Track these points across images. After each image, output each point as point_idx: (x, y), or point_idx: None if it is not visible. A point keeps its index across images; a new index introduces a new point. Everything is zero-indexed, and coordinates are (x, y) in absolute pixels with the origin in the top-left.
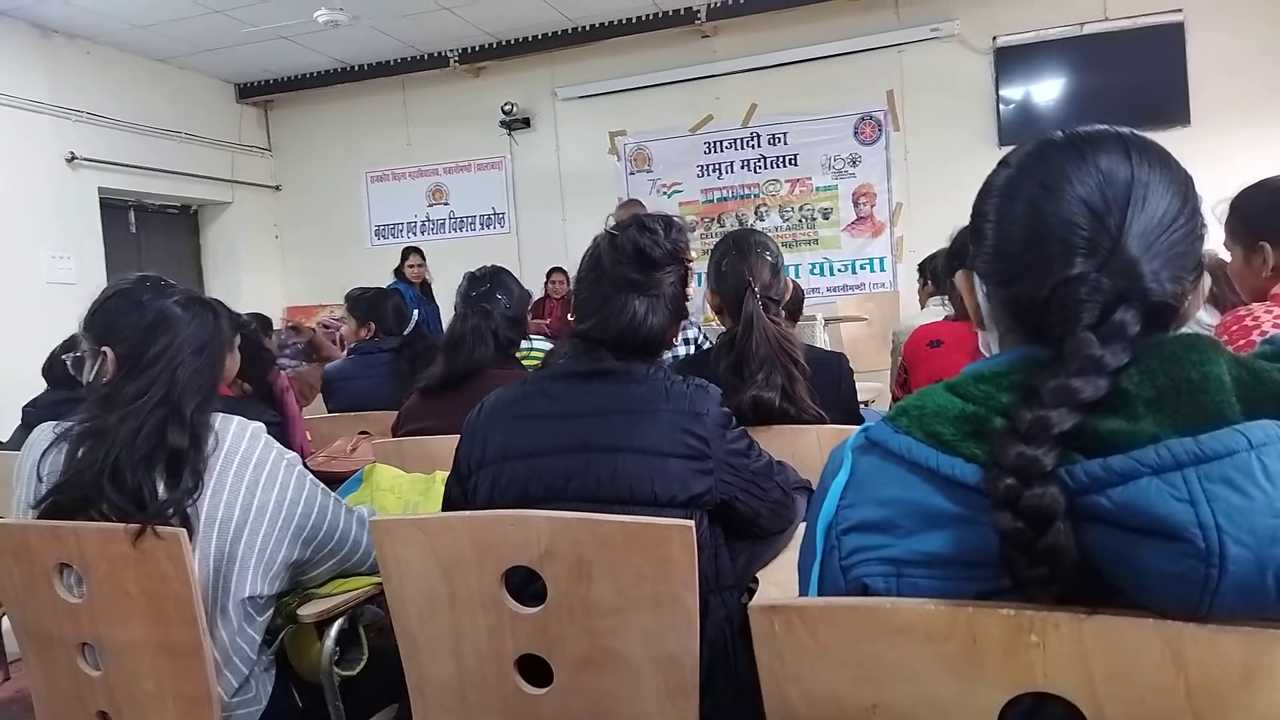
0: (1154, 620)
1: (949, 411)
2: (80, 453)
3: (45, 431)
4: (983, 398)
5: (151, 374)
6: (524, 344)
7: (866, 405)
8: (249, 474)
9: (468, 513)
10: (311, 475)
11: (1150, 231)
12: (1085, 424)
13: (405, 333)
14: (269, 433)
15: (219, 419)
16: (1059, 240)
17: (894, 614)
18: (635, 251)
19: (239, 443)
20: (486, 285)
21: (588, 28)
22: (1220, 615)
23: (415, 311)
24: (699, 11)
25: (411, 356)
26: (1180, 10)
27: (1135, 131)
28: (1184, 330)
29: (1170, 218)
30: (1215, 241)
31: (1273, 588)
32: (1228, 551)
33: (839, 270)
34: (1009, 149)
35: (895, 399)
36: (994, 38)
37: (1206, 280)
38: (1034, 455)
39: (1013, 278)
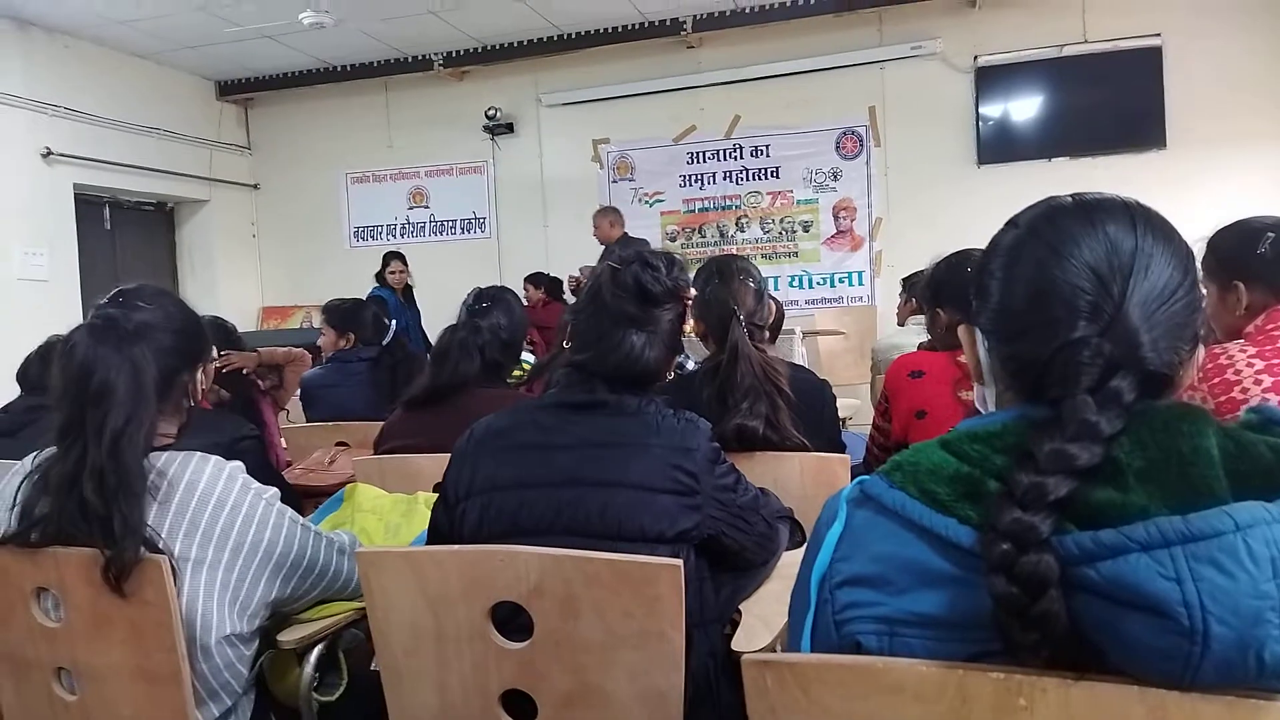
0: (1138, 687)
1: (944, 471)
2: (33, 491)
3: (27, 462)
4: (978, 459)
5: (78, 424)
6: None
7: (844, 423)
8: (224, 516)
9: (455, 547)
10: (291, 512)
11: (1151, 301)
12: (1078, 492)
13: (384, 342)
14: (250, 444)
15: (194, 460)
16: (1064, 303)
17: (886, 673)
18: (637, 287)
19: (214, 485)
20: (488, 304)
21: (573, 35)
22: (1202, 687)
23: (394, 321)
24: (684, 22)
25: (391, 365)
26: (1158, 35)
27: (1140, 202)
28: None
29: (1171, 289)
30: None
31: (1254, 665)
32: (1211, 630)
33: (818, 283)
34: (988, 167)
35: (876, 426)
36: (975, 57)
37: (1201, 351)
38: (1030, 522)
39: (1015, 336)
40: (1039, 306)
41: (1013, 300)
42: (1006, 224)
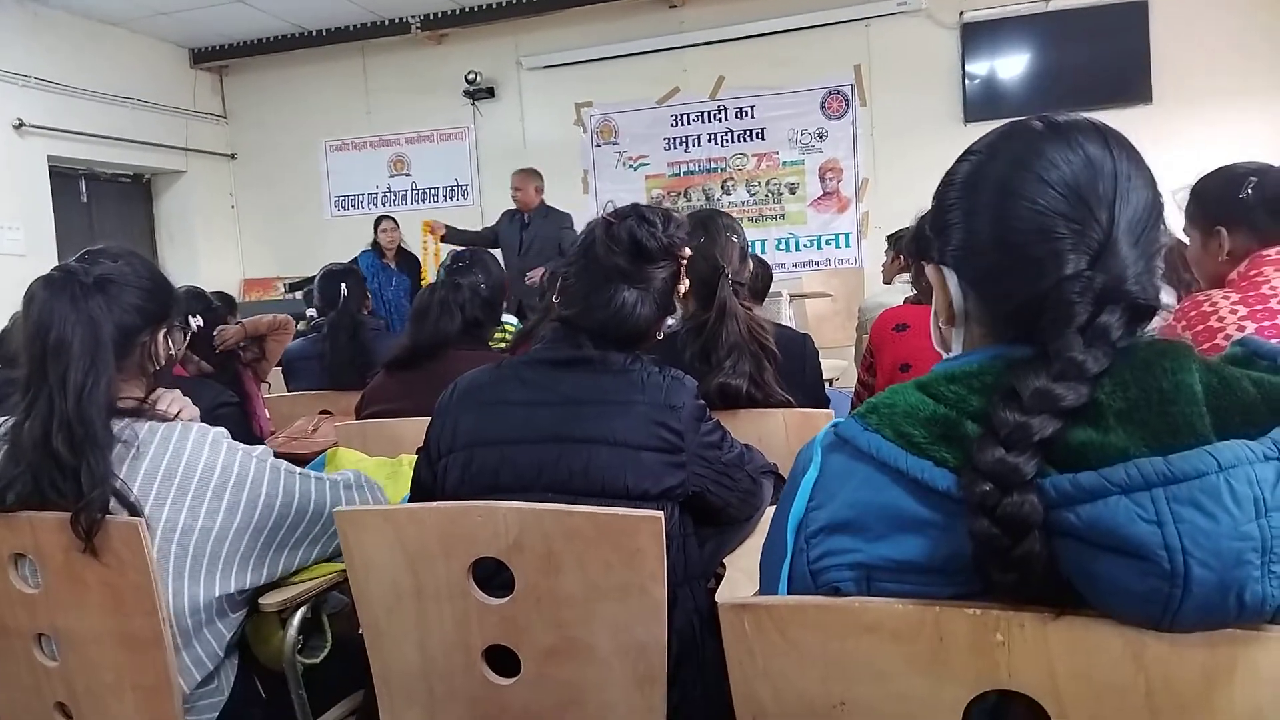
0: (1117, 624)
1: (920, 412)
2: (4, 456)
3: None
4: (955, 400)
5: (39, 378)
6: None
7: (831, 384)
8: (215, 479)
9: (434, 504)
10: (286, 464)
11: (1135, 227)
12: (1058, 432)
13: (332, 314)
14: (229, 410)
15: (178, 429)
16: (1052, 234)
17: (863, 613)
18: (631, 241)
19: (200, 451)
20: (465, 263)
21: None
22: (1181, 629)
23: (344, 286)
24: None
25: (350, 334)
26: None
27: (1105, 123)
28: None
29: (1146, 212)
30: (1174, 224)
31: (1234, 606)
32: (1192, 573)
33: (805, 246)
34: (974, 125)
35: (861, 381)
36: (961, 13)
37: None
38: (1014, 463)
39: (1003, 276)
40: (1027, 241)
41: (998, 235)
42: (973, 153)
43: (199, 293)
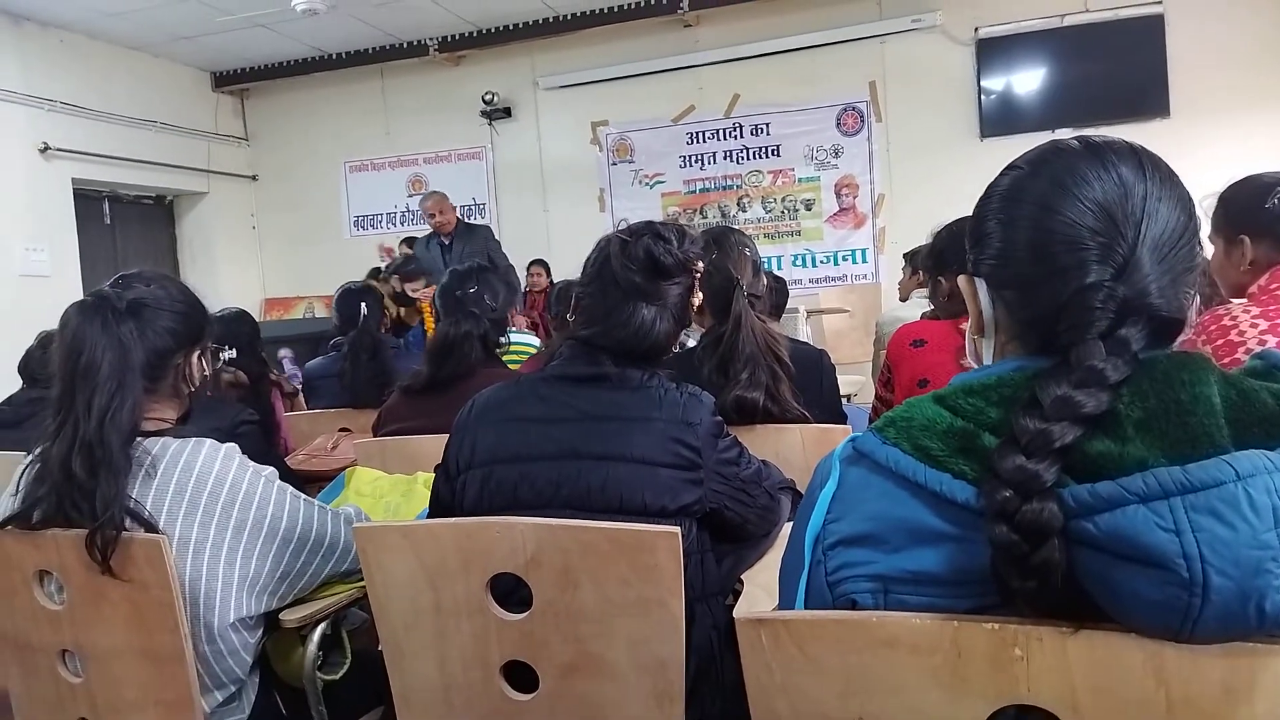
0: (1136, 637)
1: (937, 425)
2: (34, 475)
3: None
4: (972, 412)
5: (69, 401)
6: (506, 337)
7: (849, 400)
8: (224, 494)
9: (452, 520)
10: (292, 489)
11: (1162, 245)
12: (1077, 442)
13: (352, 333)
14: (249, 429)
15: (190, 444)
16: (1080, 246)
17: (880, 627)
18: (648, 259)
19: (211, 465)
20: (474, 286)
21: (569, 16)
22: (1201, 639)
23: (363, 305)
24: (681, 1)
25: (370, 355)
26: (1160, 3)
27: (1141, 145)
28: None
29: (1178, 233)
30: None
31: (1254, 615)
32: (1211, 582)
33: (821, 262)
34: (991, 140)
35: (879, 396)
36: (975, 29)
37: (1197, 299)
38: (1034, 470)
39: (1028, 284)
40: (1056, 252)
41: (1027, 246)
42: (1010, 167)
43: (241, 314)
